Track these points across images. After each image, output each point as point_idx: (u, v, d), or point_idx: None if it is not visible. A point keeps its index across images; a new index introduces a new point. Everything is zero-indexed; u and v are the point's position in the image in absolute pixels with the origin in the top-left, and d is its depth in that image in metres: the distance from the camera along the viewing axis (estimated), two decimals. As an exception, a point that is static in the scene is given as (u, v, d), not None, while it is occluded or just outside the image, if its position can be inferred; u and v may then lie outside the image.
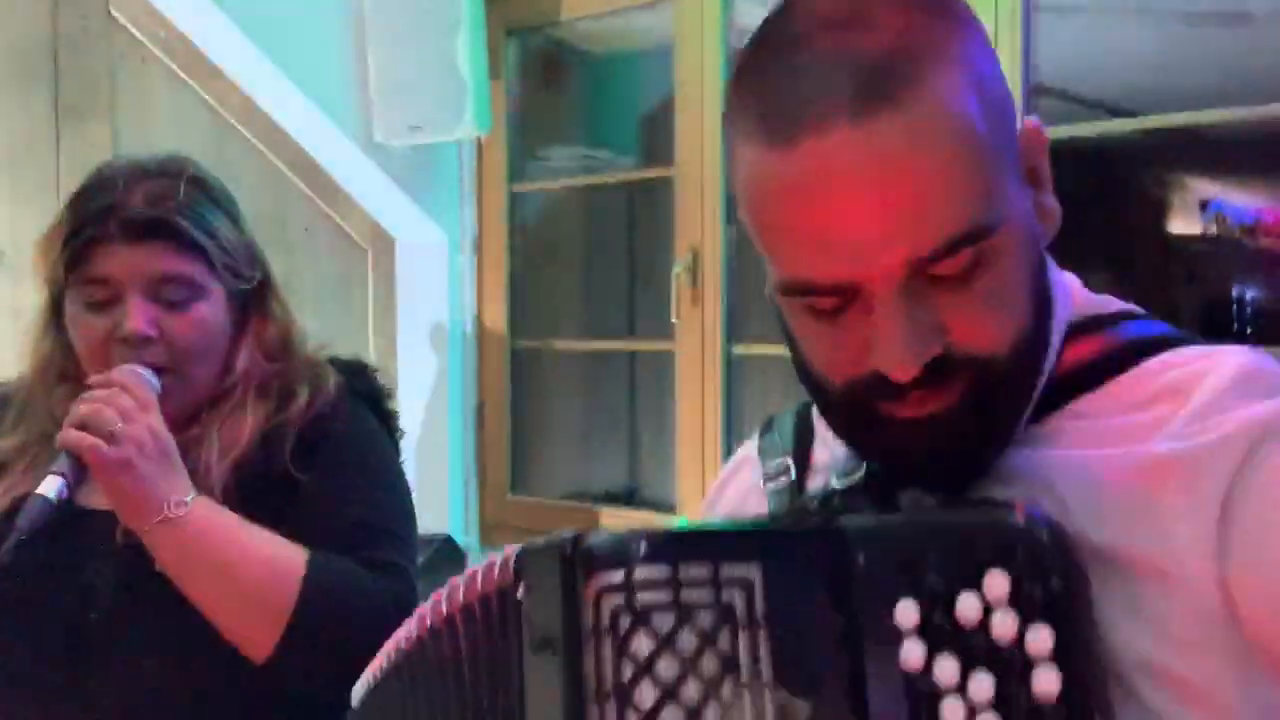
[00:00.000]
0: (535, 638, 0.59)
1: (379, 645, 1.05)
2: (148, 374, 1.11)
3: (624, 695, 0.56)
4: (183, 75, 2.57)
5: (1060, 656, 0.57)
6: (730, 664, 0.56)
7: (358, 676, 1.05)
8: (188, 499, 1.07)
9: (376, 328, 2.96)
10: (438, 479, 2.90)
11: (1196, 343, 0.71)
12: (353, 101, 2.67)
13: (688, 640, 0.56)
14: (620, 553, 0.58)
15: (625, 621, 0.56)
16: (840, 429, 0.72)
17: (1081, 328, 0.73)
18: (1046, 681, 0.56)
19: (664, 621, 0.56)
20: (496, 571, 0.66)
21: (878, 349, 0.63)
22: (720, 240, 2.53)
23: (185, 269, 1.14)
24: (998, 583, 0.57)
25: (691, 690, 0.55)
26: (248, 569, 1.06)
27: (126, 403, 1.06)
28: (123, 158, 1.21)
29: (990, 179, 0.64)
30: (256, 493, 1.12)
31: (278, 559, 1.07)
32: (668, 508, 2.70)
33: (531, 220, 3.10)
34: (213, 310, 1.17)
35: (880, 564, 0.58)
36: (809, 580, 0.58)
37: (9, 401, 1.25)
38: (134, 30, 2.50)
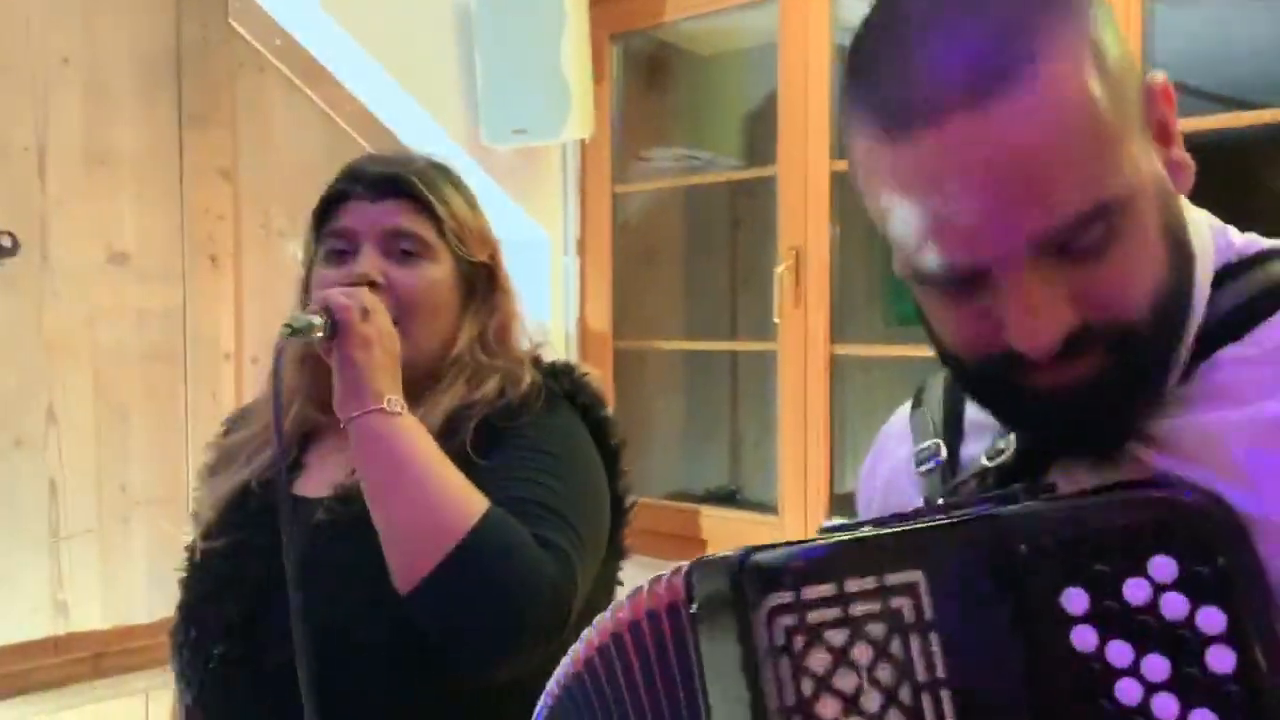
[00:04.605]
0: (713, 654, 0.61)
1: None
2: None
3: (807, 710, 0.58)
4: (298, 82, 2.65)
5: (1233, 635, 0.58)
6: (906, 669, 0.58)
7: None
8: (403, 407, 1.11)
9: (482, 327, 3.00)
10: (541, 477, 2.93)
11: None
12: (460, 105, 2.72)
13: (862, 652, 0.58)
14: (787, 572, 0.60)
15: (800, 641, 0.58)
16: (981, 401, 0.72)
17: (1227, 273, 0.71)
18: (1220, 661, 0.57)
19: (837, 637, 0.58)
20: (665, 588, 0.66)
21: (1011, 328, 0.63)
22: (823, 239, 2.51)
23: (417, 227, 1.23)
24: (1164, 567, 0.58)
25: (872, 700, 0.58)
26: (437, 488, 1.06)
27: (373, 300, 1.14)
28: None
29: (1116, 151, 0.62)
30: None
31: (465, 492, 1.07)
32: (770, 509, 2.68)
33: (634, 221, 3.12)
34: (439, 274, 1.24)
35: (1044, 554, 0.59)
36: (972, 577, 0.60)
37: (254, 406, 1.34)
38: (252, 39, 2.59)
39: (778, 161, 2.59)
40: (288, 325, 1.09)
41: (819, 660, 0.58)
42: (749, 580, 0.61)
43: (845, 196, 2.59)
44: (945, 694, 0.58)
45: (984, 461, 0.73)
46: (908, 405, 0.92)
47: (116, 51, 2.42)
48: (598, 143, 2.91)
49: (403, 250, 1.22)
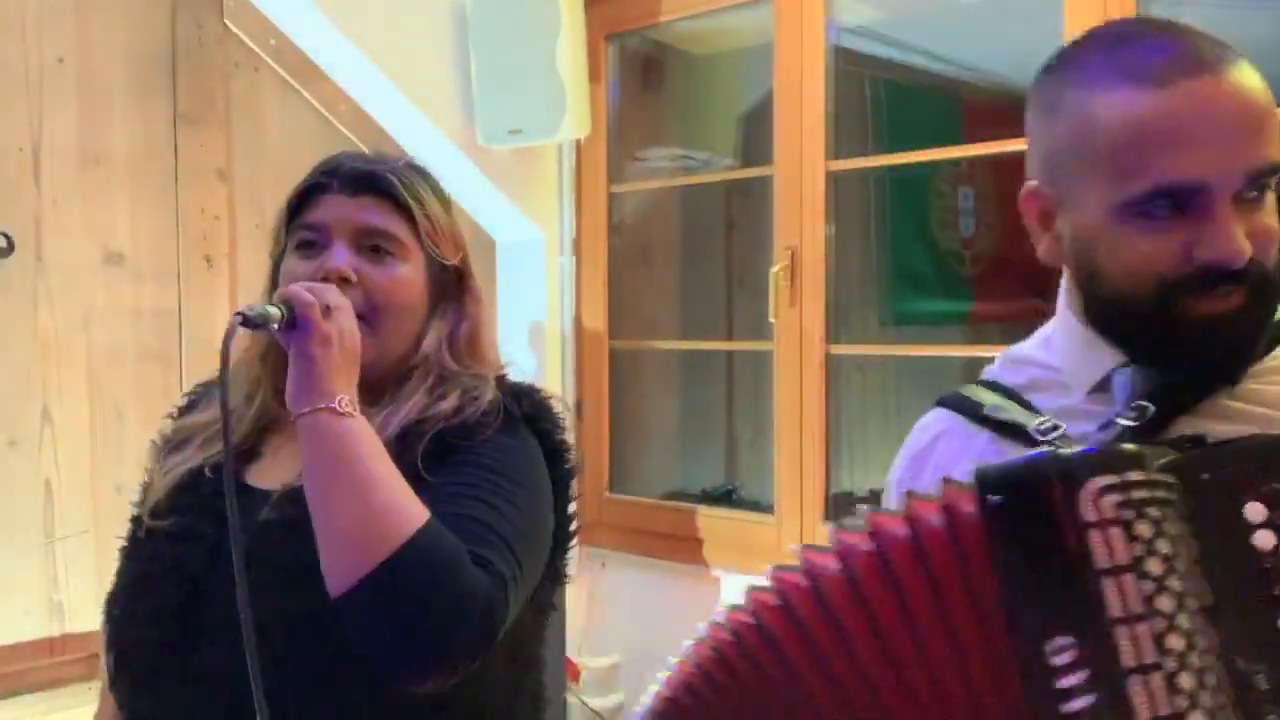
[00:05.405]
0: (1022, 537, 0.73)
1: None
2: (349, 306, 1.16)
3: (1140, 568, 0.71)
4: (293, 82, 2.65)
5: None
6: (1186, 546, 0.72)
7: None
8: (355, 408, 1.10)
9: (478, 328, 3.00)
10: (537, 477, 2.93)
11: None
12: (456, 106, 2.72)
13: (1172, 526, 0.72)
14: (1108, 458, 0.74)
15: (1130, 513, 0.71)
16: (1133, 336, 0.90)
17: None
18: None
19: (1155, 512, 0.72)
20: (932, 503, 0.75)
21: (1213, 243, 0.83)
22: (819, 239, 2.52)
23: (391, 226, 1.22)
24: None
25: (1180, 564, 0.71)
26: (377, 494, 1.05)
27: (338, 298, 1.13)
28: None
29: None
30: None
31: (405, 501, 1.06)
32: (766, 508, 2.69)
33: (630, 220, 3.12)
34: (411, 273, 1.23)
35: (1224, 479, 0.74)
36: (1186, 494, 0.74)
37: (215, 383, 1.32)
38: (247, 39, 2.59)
39: (773, 161, 2.60)
40: (240, 314, 1.07)
41: (1145, 529, 0.71)
42: (1073, 466, 0.73)
43: (841, 196, 2.59)
44: (1199, 577, 0.71)
45: (1123, 422, 0.88)
46: (933, 417, 1.04)
47: (111, 51, 2.41)
48: (593, 143, 2.91)
49: (376, 247, 1.21)
